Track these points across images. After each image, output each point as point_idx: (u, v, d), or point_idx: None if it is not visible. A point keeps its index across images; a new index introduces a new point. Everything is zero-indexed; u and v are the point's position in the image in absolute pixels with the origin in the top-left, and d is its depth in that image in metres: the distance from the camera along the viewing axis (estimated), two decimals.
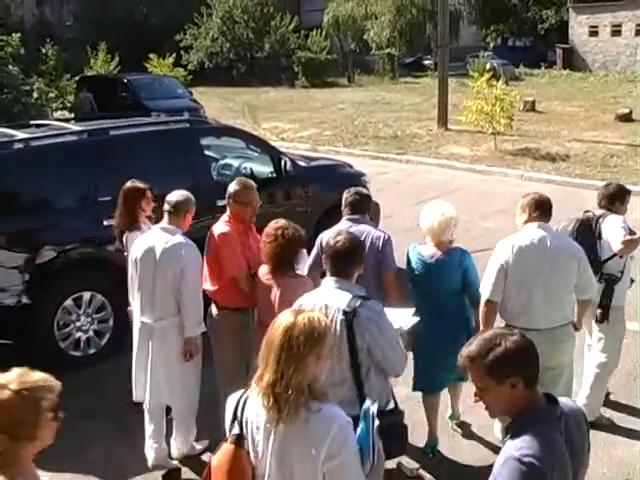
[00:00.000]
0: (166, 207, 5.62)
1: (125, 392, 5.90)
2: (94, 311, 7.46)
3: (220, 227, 5.67)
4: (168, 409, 5.87)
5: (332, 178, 9.50)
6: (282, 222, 5.09)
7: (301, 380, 2.97)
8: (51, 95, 20.79)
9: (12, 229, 7.12)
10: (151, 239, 5.57)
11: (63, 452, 5.86)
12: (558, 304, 5.22)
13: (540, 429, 2.72)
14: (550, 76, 39.86)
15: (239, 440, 3.14)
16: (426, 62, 45.28)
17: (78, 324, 7.36)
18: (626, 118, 23.24)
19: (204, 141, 8.81)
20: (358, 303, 4.13)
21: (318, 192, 9.26)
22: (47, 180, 7.35)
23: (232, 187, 5.73)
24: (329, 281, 4.36)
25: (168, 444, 5.87)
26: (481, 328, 5.05)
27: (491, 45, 49.98)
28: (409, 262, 5.69)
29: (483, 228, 11.75)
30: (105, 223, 7.42)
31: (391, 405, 4.43)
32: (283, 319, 3.07)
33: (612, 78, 38.04)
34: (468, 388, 2.94)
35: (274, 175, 8.94)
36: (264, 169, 9.08)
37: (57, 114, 22.36)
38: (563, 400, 2.95)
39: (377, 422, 3.30)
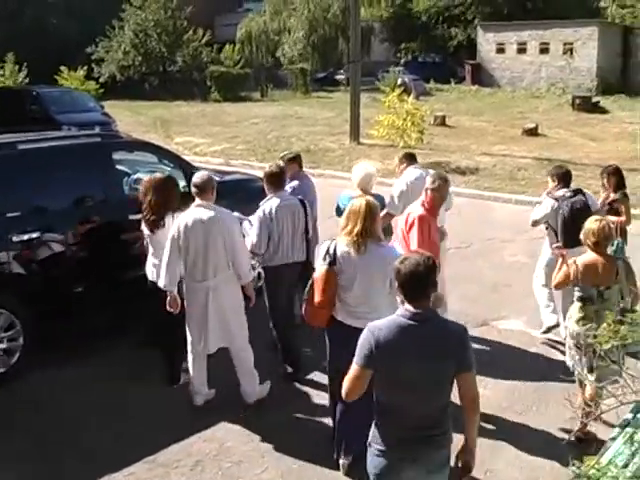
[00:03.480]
0: (194, 190, 6.61)
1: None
2: (2, 329, 7.26)
3: (418, 210, 6.89)
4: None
5: (245, 192, 9.47)
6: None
7: (374, 230, 5.45)
8: None
9: None
10: (196, 214, 6.51)
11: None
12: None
13: (394, 318, 3.96)
14: (459, 91, 40.86)
15: (331, 264, 5.49)
16: (338, 77, 45.73)
17: None
18: (532, 132, 24.07)
19: (116, 155, 8.69)
20: None
21: (231, 206, 9.20)
22: None
23: (435, 178, 6.94)
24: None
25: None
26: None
27: (402, 60, 50.70)
28: (343, 204, 6.98)
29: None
30: (14, 239, 7.28)
31: None
32: (361, 200, 5.50)
33: (518, 94, 39.28)
34: None
35: (187, 189, 8.86)
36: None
37: None
38: (453, 323, 4.13)
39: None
